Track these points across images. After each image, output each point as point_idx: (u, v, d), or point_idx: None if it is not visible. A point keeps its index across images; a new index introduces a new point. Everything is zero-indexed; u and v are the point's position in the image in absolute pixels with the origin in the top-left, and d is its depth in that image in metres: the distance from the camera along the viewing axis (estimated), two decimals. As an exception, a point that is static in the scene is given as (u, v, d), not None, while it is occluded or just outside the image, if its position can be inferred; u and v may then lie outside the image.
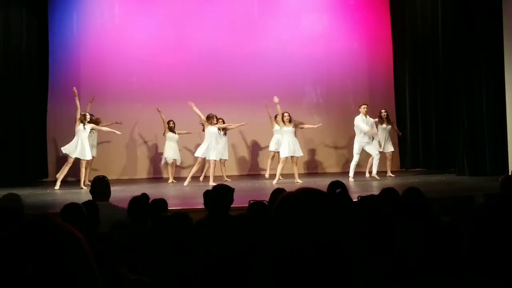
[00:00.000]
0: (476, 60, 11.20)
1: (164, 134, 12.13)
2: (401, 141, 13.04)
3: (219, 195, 4.41)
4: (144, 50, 13.25)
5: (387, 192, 4.52)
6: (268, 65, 13.39)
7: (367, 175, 11.67)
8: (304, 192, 1.25)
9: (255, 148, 13.64)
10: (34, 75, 12.48)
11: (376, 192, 5.22)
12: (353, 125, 11.53)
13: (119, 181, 11.01)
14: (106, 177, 5.62)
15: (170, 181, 12.03)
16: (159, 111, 11.97)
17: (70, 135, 11.48)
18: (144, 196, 4.64)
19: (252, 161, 13.67)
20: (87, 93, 13.21)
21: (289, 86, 13.40)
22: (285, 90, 13.21)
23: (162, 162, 12.30)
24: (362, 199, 3.63)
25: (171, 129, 12.03)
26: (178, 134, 12.10)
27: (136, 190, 9.87)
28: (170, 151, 12.06)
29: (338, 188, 4.83)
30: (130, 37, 13.36)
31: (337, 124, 13.57)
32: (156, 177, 13.18)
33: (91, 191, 5.25)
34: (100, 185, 5.25)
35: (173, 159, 12.14)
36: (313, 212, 1.20)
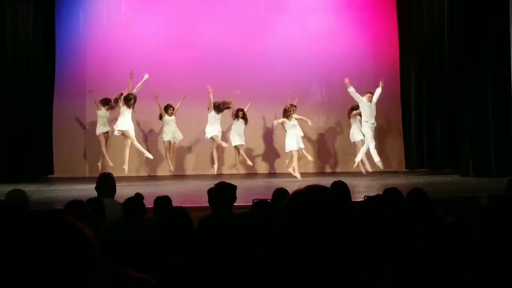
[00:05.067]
0: (482, 61, 11.14)
1: (161, 118, 12.24)
2: (406, 141, 13.04)
3: (222, 193, 4.41)
4: (150, 47, 13.26)
5: (390, 192, 4.52)
6: (274, 64, 13.36)
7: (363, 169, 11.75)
8: (313, 190, 1.26)
9: (262, 145, 13.60)
10: (41, 71, 12.51)
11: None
12: None
13: (123, 178, 11.01)
14: (112, 174, 5.65)
15: (170, 167, 12.06)
16: (156, 97, 12.01)
17: (75, 132, 11.49)
18: (138, 196, 4.64)
19: (257, 158, 13.61)
20: (93, 90, 13.22)
21: (294, 84, 13.36)
22: (290, 89, 13.15)
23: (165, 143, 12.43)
24: (368, 198, 3.65)
25: (168, 113, 12.15)
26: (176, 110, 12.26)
27: (140, 188, 9.94)
28: (169, 133, 12.15)
29: (340, 188, 4.83)
30: (136, 34, 13.37)
31: (342, 123, 13.54)
32: (161, 174, 13.17)
33: (96, 188, 5.26)
34: (106, 182, 5.27)
35: (171, 142, 12.22)
36: (322, 209, 1.21)
